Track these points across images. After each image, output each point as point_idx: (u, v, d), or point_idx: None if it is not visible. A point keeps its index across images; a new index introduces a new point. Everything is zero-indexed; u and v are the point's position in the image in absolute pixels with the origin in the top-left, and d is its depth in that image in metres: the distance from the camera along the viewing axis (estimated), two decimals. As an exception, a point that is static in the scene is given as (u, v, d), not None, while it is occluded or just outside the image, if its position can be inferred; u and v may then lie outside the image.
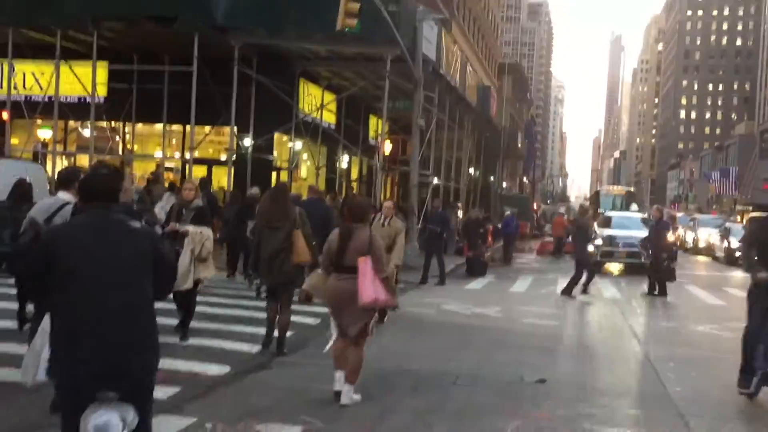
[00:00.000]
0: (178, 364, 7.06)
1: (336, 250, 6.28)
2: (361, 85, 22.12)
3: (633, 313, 13.18)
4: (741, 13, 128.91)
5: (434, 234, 15.41)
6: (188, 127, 20.98)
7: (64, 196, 6.14)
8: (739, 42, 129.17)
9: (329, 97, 23.61)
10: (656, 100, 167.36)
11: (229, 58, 18.02)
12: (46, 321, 3.54)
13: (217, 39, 17.48)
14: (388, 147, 19.39)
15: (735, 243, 26.34)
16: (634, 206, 44.96)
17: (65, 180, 6.28)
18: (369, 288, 6.06)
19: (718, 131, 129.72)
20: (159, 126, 21.71)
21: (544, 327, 10.87)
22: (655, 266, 15.38)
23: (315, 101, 23.08)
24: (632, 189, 52.22)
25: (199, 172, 19.89)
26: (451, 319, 11.12)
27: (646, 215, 26.62)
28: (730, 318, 11.18)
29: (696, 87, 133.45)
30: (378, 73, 20.54)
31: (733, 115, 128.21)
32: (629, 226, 22.86)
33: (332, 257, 6.33)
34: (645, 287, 15.48)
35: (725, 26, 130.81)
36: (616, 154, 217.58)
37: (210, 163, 21.56)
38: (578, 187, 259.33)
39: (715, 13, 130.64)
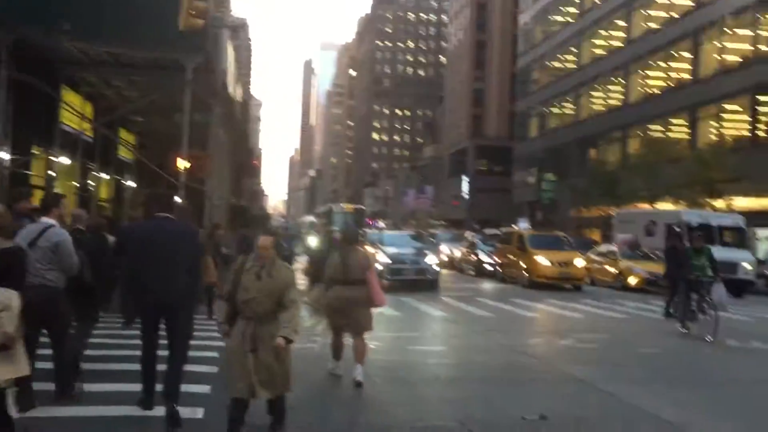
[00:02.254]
0: None
1: (341, 267, 8.02)
2: (135, 96, 19.77)
3: (475, 329, 13.47)
4: (424, 47, 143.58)
5: None
6: None
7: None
8: (422, 72, 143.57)
9: (89, 108, 20.72)
10: (349, 123, 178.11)
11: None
12: None
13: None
14: (186, 164, 17.32)
15: (483, 257, 28.87)
16: (381, 224, 46.92)
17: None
18: (380, 293, 8.13)
19: (406, 153, 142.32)
20: None
21: (435, 353, 10.58)
22: None
23: (75, 111, 20.02)
24: (363, 207, 54.56)
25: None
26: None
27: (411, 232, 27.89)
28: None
29: (386, 112, 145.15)
30: (156, 83, 18.56)
31: (418, 139, 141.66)
32: (403, 243, 23.74)
33: (334, 274, 8.08)
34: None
35: (410, 57, 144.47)
36: (312, 172, 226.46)
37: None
38: (276, 206, 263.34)
39: (401, 45, 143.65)
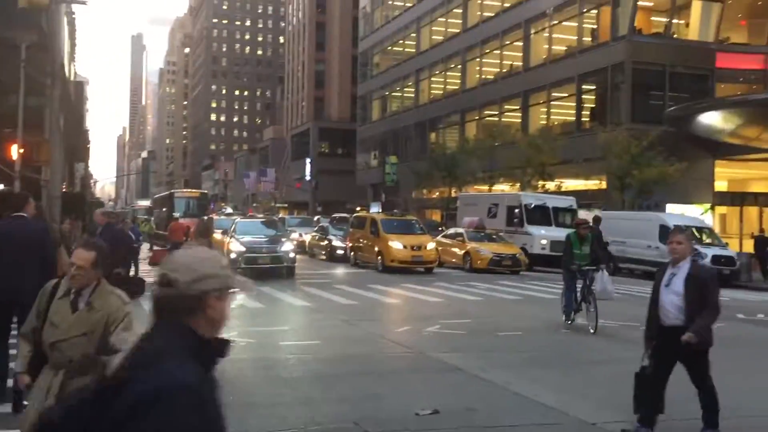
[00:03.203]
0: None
1: None
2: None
3: (353, 320, 13.47)
4: (262, 25, 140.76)
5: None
6: None
7: None
8: (260, 52, 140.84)
9: None
10: (185, 102, 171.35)
11: None
12: None
13: None
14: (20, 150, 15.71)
15: (335, 241, 28.94)
16: (228, 209, 45.24)
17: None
18: None
19: (245, 134, 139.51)
20: None
21: (310, 348, 10.42)
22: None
23: None
24: (206, 191, 52.57)
25: None
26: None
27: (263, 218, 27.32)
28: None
29: (224, 92, 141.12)
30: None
31: (257, 120, 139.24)
32: (257, 231, 23.20)
33: None
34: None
35: (248, 36, 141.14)
36: (144, 154, 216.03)
37: None
38: (103, 189, 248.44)
39: (239, 23, 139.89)
